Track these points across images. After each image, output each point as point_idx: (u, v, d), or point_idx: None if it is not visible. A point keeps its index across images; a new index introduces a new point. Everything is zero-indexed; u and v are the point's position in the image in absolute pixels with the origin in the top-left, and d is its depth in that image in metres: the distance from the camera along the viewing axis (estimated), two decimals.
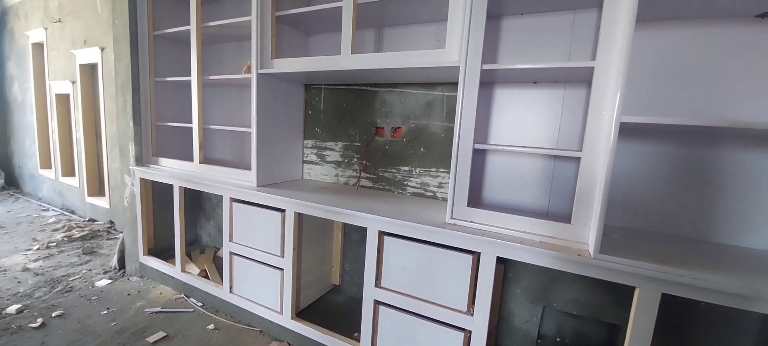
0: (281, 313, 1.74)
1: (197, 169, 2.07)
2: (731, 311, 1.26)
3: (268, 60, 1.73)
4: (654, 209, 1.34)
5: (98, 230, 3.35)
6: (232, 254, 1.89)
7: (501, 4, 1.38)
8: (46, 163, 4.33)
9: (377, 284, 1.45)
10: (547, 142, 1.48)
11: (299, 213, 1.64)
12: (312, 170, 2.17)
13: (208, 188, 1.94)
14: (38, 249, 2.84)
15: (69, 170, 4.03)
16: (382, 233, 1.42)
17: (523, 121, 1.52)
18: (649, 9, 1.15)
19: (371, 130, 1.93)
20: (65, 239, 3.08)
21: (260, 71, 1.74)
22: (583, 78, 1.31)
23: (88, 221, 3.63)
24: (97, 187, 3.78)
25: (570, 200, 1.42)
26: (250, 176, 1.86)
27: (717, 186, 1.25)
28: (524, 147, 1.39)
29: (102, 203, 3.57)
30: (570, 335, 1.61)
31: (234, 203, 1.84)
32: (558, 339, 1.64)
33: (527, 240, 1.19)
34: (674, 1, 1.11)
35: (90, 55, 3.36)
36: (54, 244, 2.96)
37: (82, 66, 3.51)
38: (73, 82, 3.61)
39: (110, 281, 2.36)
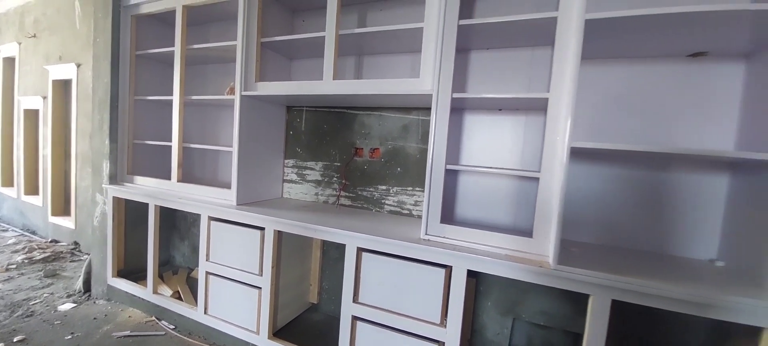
0: (258, 333, 1.73)
1: (175, 188, 2.07)
2: (682, 317, 1.39)
3: (251, 83, 1.80)
4: (615, 226, 1.48)
5: (61, 252, 3.19)
6: (208, 273, 1.87)
7: (469, 40, 1.53)
8: (7, 181, 4.10)
9: (355, 299, 1.49)
10: (512, 163, 1.61)
11: (279, 231, 1.68)
12: (292, 189, 2.21)
13: (185, 206, 1.94)
14: None
15: (32, 189, 3.83)
16: (360, 250, 1.48)
17: (491, 144, 1.65)
18: (592, 49, 1.32)
19: (351, 150, 2.01)
20: (26, 260, 2.91)
21: (244, 93, 1.80)
22: (541, 106, 1.46)
23: (51, 241, 3.45)
24: (62, 206, 3.61)
25: (532, 216, 1.54)
26: (230, 195, 1.88)
27: (668, 204, 1.40)
28: (491, 168, 1.51)
29: (67, 223, 3.41)
30: (539, 345, 1.70)
31: (212, 222, 1.85)
32: None
33: (494, 253, 1.28)
34: (615, 42, 1.29)
35: (64, 70, 3.31)
36: (14, 266, 2.79)
37: (55, 82, 3.43)
38: (44, 98, 3.51)
39: (74, 304, 2.25)
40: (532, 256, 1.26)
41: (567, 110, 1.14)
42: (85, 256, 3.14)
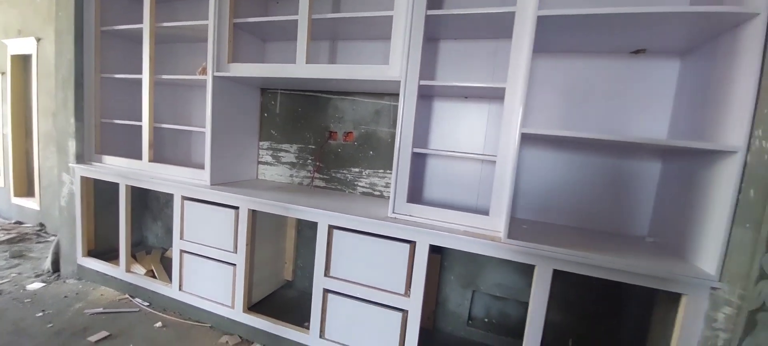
0: (232, 307, 1.80)
1: (146, 168, 2.06)
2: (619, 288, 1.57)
3: (224, 64, 1.80)
4: (563, 206, 1.63)
5: (26, 233, 3.09)
6: (182, 251, 1.90)
7: (438, 29, 1.60)
8: None
9: (327, 273, 1.58)
10: (477, 148, 1.72)
11: (253, 210, 1.73)
12: (267, 171, 2.25)
13: (158, 186, 1.94)
14: None
15: None
16: (331, 227, 1.56)
17: (458, 130, 1.75)
18: (548, 43, 1.43)
19: (325, 134, 2.07)
20: None
21: (216, 74, 1.81)
22: (501, 95, 1.56)
23: (15, 223, 3.33)
24: (25, 187, 3.47)
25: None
26: (204, 175, 1.90)
27: (609, 187, 1.56)
28: (454, 152, 1.62)
29: (31, 204, 3.30)
30: (495, 315, 1.86)
31: (185, 201, 1.87)
32: (486, 319, 1.88)
33: (454, 229, 1.40)
34: (567, 38, 1.39)
35: (24, 45, 3.13)
36: None
37: (13, 57, 3.24)
38: (2, 74, 3.32)
39: (43, 284, 2.23)
40: (487, 231, 1.38)
41: (520, 99, 1.24)
42: (52, 237, 3.07)
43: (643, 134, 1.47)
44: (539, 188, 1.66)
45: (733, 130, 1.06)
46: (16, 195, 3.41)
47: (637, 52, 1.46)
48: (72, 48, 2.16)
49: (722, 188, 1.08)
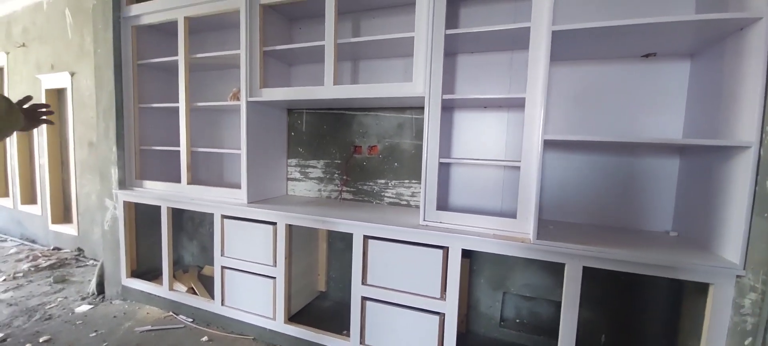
0: (274, 319, 1.90)
1: (185, 190, 2.20)
2: (646, 281, 1.63)
3: (256, 89, 1.94)
4: (587, 206, 1.70)
5: (66, 258, 3.26)
6: (223, 267, 2.02)
7: (456, 45, 1.71)
8: (2, 192, 4.10)
9: (364, 282, 1.68)
10: (497, 154, 1.81)
11: (290, 225, 1.84)
12: (296, 186, 2.37)
13: (198, 207, 2.07)
14: (5, 280, 2.74)
15: (29, 198, 3.86)
16: (366, 237, 1.66)
17: (478, 138, 1.85)
18: (562, 52, 1.53)
19: (350, 148, 2.18)
20: (32, 268, 2.98)
21: (250, 99, 1.94)
22: (520, 104, 1.66)
23: (53, 249, 3.51)
24: (61, 214, 3.66)
25: (516, 200, 1.75)
26: (240, 194, 2.02)
27: (630, 185, 1.63)
28: (478, 159, 1.71)
29: (68, 230, 3.48)
30: (527, 315, 1.93)
31: (225, 220, 1.99)
32: (517, 320, 1.94)
33: (484, 233, 1.48)
34: (580, 47, 1.48)
35: (58, 79, 3.34)
36: (21, 274, 2.86)
37: (48, 91, 3.46)
38: None
39: (90, 306, 2.37)
40: (516, 233, 1.46)
41: (540, 108, 1.34)
42: (91, 261, 3.23)
43: (659, 133, 1.54)
44: (560, 189, 1.74)
45: (745, 126, 1.14)
46: (53, 222, 3.59)
47: (647, 55, 1.54)
48: (112, 81, 2.33)
49: (739, 181, 1.16)
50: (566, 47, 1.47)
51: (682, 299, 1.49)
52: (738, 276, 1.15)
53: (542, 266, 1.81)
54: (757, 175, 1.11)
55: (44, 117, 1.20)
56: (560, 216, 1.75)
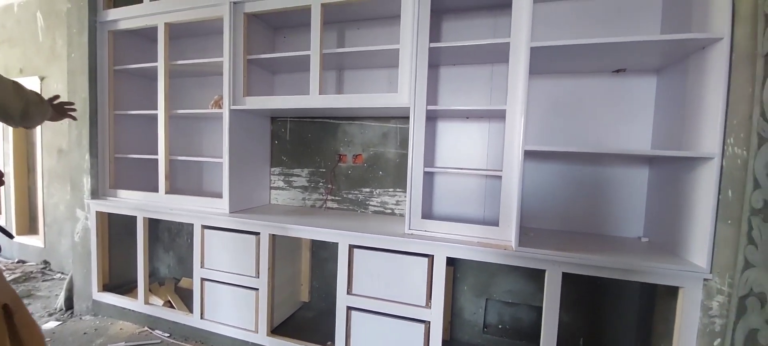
0: (256, 332, 1.85)
1: (163, 200, 2.13)
2: (620, 284, 1.70)
3: (240, 97, 1.91)
4: (565, 213, 1.75)
5: (31, 272, 3.08)
6: (203, 279, 1.96)
7: (438, 57, 1.75)
8: None
9: (349, 291, 1.67)
10: (479, 163, 1.86)
11: (273, 235, 1.81)
12: (279, 196, 2.34)
13: (177, 217, 2.01)
14: None
15: None
16: (352, 246, 1.65)
17: (461, 147, 1.89)
18: (541, 66, 1.59)
19: (335, 157, 2.18)
20: None
21: (233, 107, 1.91)
22: (501, 115, 1.71)
23: (18, 262, 3.30)
24: (27, 225, 3.46)
25: (498, 208, 1.79)
26: (222, 204, 1.98)
27: (604, 193, 1.70)
28: (462, 169, 1.75)
29: (34, 241, 3.29)
30: (509, 320, 1.96)
31: (206, 230, 1.94)
32: (500, 326, 1.97)
33: (468, 241, 1.51)
34: (557, 61, 1.55)
35: (27, 84, 3.17)
36: None
37: None
38: None
39: (58, 322, 2.24)
40: (499, 241, 1.49)
41: (520, 119, 1.39)
42: (58, 275, 3.06)
43: (630, 142, 1.62)
44: (538, 197, 1.79)
45: (708, 139, 1.21)
46: (18, 233, 3.39)
47: (618, 71, 1.63)
48: (86, 87, 2.24)
49: (704, 190, 1.23)
50: (544, 62, 1.54)
51: (655, 301, 1.56)
52: (705, 279, 1.22)
53: (524, 273, 1.86)
54: (720, 184, 1.18)
55: (70, 113, 1.48)
56: (538, 223, 1.80)
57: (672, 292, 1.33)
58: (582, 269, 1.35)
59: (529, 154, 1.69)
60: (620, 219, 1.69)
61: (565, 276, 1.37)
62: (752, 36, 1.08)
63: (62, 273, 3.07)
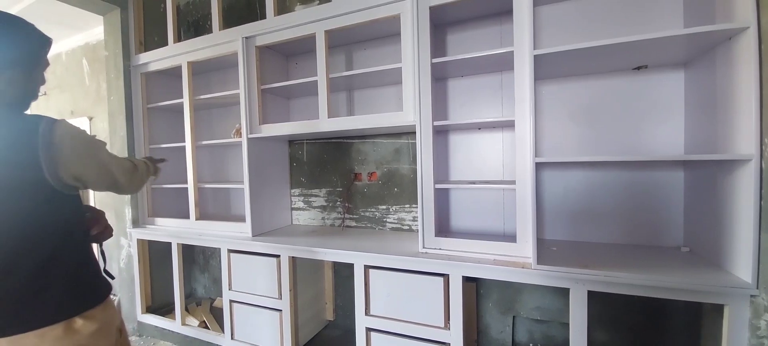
0: None
1: (194, 226, 2.26)
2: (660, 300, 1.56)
3: (256, 126, 2.00)
4: (594, 223, 1.63)
5: None
6: (231, 301, 2.05)
7: (445, 70, 1.73)
8: None
9: (367, 312, 1.67)
10: (495, 174, 1.80)
11: (292, 257, 1.86)
12: (300, 216, 2.40)
13: (205, 242, 2.13)
14: None
15: None
16: (367, 267, 1.65)
17: (475, 159, 1.84)
18: (551, 71, 1.52)
19: (350, 176, 2.20)
20: None
21: (250, 136, 2.01)
22: (512, 124, 1.64)
23: None
24: None
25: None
26: (245, 228, 2.07)
27: (637, 200, 1.55)
28: (473, 182, 1.69)
29: None
30: (540, 339, 1.86)
31: (231, 254, 2.03)
32: (531, 344, 1.88)
33: (484, 259, 1.46)
34: (569, 64, 1.47)
35: (78, 124, 3.53)
36: None
37: None
38: None
39: None
40: (516, 258, 1.43)
41: (530, 130, 1.33)
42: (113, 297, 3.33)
43: (661, 144, 1.49)
44: (566, 207, 1.69)
45: (744, 138, 1.09)
46: None
47: (639, 68, 1.51)
48: (124, 125, 2.45)
49: (743, 195, 1.10)
50: (555, 66, 1.47)
51: (701, 318, 1.41)
52: (752, 296, 1.09)
53: (551, 288, 1.76)
54: (760, 189, 1.06)
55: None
56: (571, 235, 1.69)
57: (718, 308, 1.19)
58: (609, 287, 1.25)
59: (547, 165, 1.62)
60: (658, 228, 1.55)
61: (599, 293, 1.27)
62: None
63: (112, 296, 3.34)
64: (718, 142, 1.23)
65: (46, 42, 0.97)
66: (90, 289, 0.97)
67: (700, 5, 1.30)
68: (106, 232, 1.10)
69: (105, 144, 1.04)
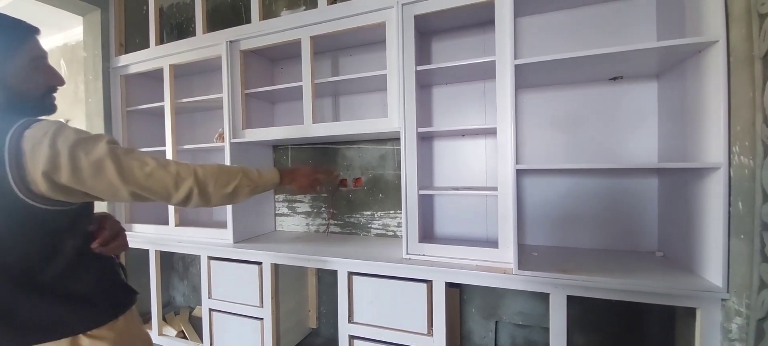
0: None
1: (173, 232, 2.20)
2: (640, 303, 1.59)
3: (239, 130, 1.97)
4: (574, 229, 1.66)
5: None
6: (211, 310, 1.99)
7: (429, 78, 1.74)
8: None
9: (350, 319, 1.65)
10: (479, 181, 1.82)
11: (275, 264, 1.83)
12: (284, 222, 2.37)
13: (185, 248, 2.07)
14: None
15: None
16: (350, 273, 1.64)
17: (459, 165, 1.86)
18: (532, 79, 1.55)
19: (335, 182, 2.19)
20: None
21: (233, 140, 1.97)
22: (494, 132, 1.67)
23: None
24: None
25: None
26: (226, 234, 2.02)
27: (613, 206, 1.60)
28: (456, 189, 1.71)
29: None
30: (523, 343, 1.87)
31: (211, 261, 1.98)
32: None
33: (466, 265, 1.47)
34: (549, 73, 1.51)
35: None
36: None
37: None
38: None
39: None
40: (498, 264, 1.44)
41: (511, 138, 1.35)
42: None
43: (636, 154, 1.54)
44: (547, 213, 1.72)
45: (713, 147, 1.14)
46: None
47: (615, 78, 1.56)
48: (102, 128, 2.38)
49: (713, 201, 1.15)
50: (535, 76, 1.50)
51: (675, 321, 1.45)
52: (723, 300, 1.12)
53: (533, 293, 1.77)
54: (729, 195, 1.10)
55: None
56: (552, 240, 1.72)
57: (691, 312, 1.23)
58: (588, 292, 1.27)
59: (528, 172, 1.65)
60: (634, 233, 1.59)
61: (578, 298, 1.29)
62: (748, 37, 1.01)
63: None
64: (689, 150, 1.28)
65: (14, 28, 0.82)
66: (92, 304, 0.87)
67: (672, 19, 1.35)
68: (116, 240, 0.96)
69: (107, 139, 0.84)
